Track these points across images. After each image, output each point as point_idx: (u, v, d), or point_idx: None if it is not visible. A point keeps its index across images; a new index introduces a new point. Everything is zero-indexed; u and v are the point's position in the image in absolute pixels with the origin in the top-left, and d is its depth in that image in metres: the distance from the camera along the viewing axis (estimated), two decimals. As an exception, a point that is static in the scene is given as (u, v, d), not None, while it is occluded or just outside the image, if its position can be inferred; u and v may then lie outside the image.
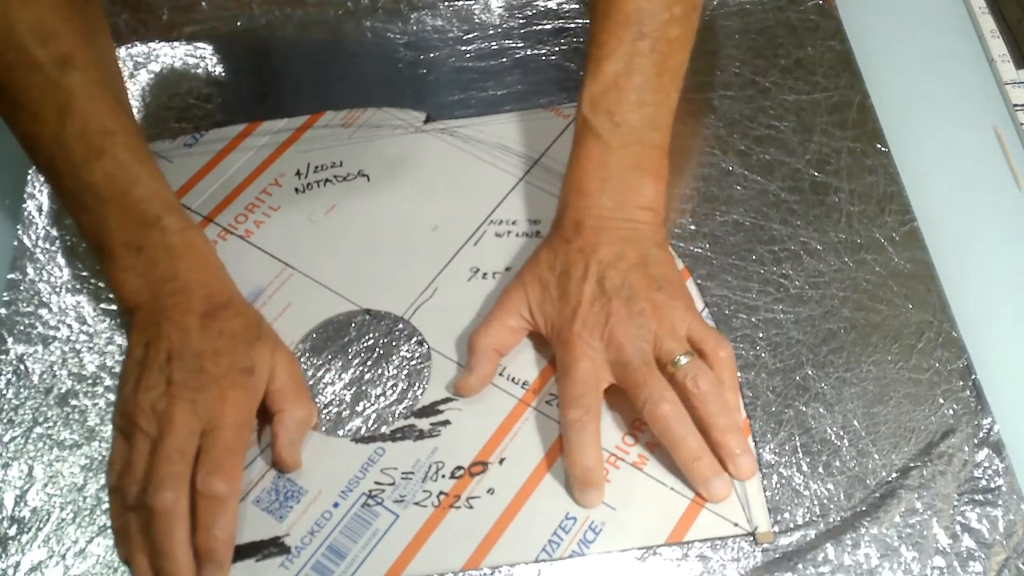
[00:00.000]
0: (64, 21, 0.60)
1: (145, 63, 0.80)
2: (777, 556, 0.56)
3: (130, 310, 0.62)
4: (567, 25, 0.80)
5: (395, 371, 0.64)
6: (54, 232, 0.71)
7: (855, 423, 0.61)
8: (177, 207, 0.62)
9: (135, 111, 0.77)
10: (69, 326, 0.67)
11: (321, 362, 0.65)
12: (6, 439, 0.62)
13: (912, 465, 0.59)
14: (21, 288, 0.68)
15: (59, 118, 0.60)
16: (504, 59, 0.79)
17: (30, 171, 0.74)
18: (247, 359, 0.60)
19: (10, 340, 0.66)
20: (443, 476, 0.60)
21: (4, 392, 0.64)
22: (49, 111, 0.60)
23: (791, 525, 0.57)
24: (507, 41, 0.80)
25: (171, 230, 0.61)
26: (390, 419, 0.62)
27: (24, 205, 0.73)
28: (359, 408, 0.63)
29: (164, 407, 0.57)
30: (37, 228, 0.71)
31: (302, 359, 0.65)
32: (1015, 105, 0.75)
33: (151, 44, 0.81)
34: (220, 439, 0.57)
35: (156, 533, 0.55)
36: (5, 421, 0.63)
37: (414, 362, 0.64)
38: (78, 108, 0.60)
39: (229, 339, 0.60)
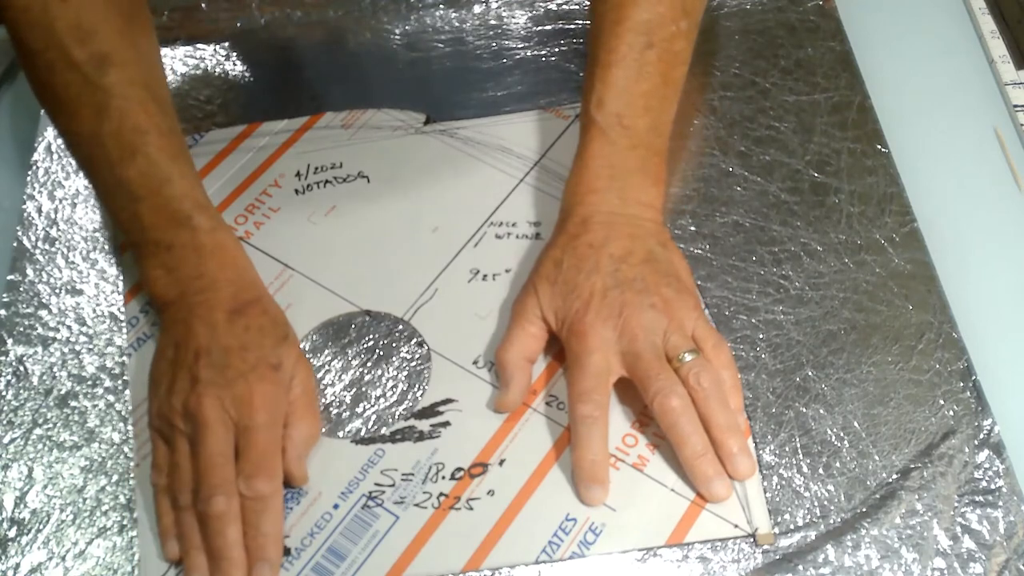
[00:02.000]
0: (103, 20, 0.61)
1: (145, 64, 0.80)
2: (777, 557, 0.56)
3: (160, 308, 0.63)
4: (567, 26, 0.80)
5: (395, 372, 0.64)
6: (54, 233, 0.71)
7: (855, 424, 0.61)
8: (208, 206, 0.63)
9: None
10: (69, 327, 0.67)
11: (321, 363, 0.65)
12: (6, 440, 0.62)
13: (912, 466, 0.59)
14: (21, 289, 0.68)
15: (96, 117, 0.61)
16: (504, 60, 0.79)
17: (30, 172, 0.74)
18: (274, 355, 0.60)
19: (10, 341, 0.66)
20: (443, 477, 0.60)
21: (4, 393, 0.64)
22: (87, 109, 0.61)
23: (791, 526, 0.57)
24: (507, 42, 0.80)
25: (201, 229, 0.62)
26: (390, 420, 0.62)
27: (24, 206, 0.72)
28: (359, 409, 0.63)
29: (194, 405, 0.58)
30: (37, 229, 0.71)
31: (302, 360, 0.65)
32: (1015, 105, 0.74)
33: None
34: (255, 440, 0.57)
35: (211, 535, 0.56)
36: (5, 422, 0.63)
37: (414, 363, 0.64)
38: (114, 107, 0.61)
39: (256, 334, 0.60)
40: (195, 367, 0.59)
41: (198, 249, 0.62)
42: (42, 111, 0.77)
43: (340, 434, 0.62)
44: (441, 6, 0.82)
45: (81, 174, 0.69)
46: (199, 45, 0.81)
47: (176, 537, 0.57)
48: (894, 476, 0.59)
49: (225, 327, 0.60)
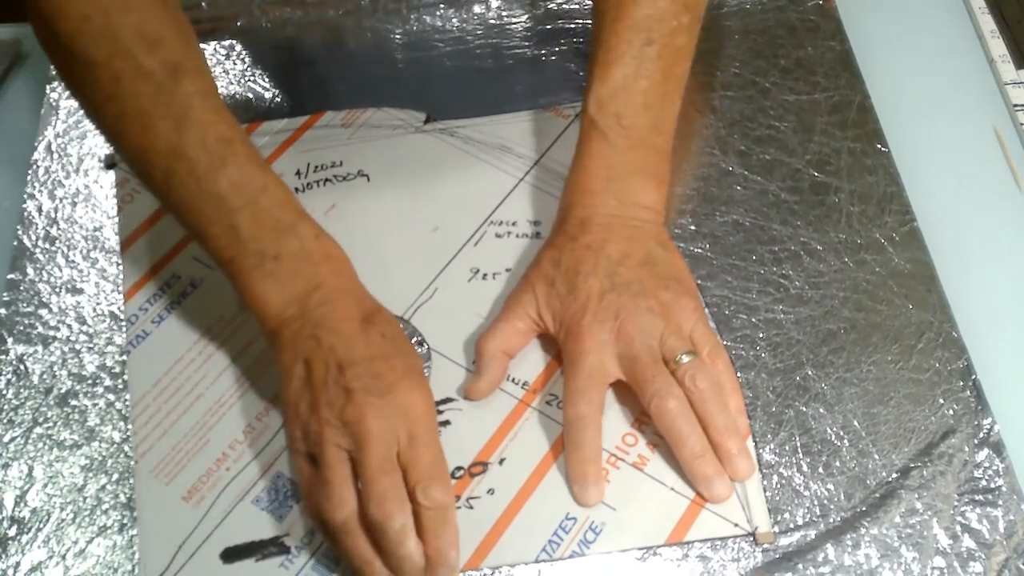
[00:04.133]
0: (166, 26, 0.58)
1: (145, 63, 0.80)
2: (777, 556, 0.56)
3: (276, 329, 0.59)
4: (568, 26, 0.80)
5: (395, 371, 0.64)
6: (54, 232, 0.71)
7: (855, 423, 0.61)
8: (306, 214, 0.61)
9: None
10: (69, 326, 0.67)
11: (321, 362, 0.65)
12: (6, 439, 0.62)
13: (912, 465, 0.59)
14: (21, 288, 0.68)
15: (176, 128, 0.57)
16: (504, 59, 0.79)
17: (30, 171, 0.74)
18: (417, 362, 0.59)
19: (10, 340, 0.66)
20: (443, 476, 0.60)
21: (4, 392, 0.64)
22: (164, 121, 0.57)
23: (791, 525, 0.57)
24: (507, 41, 0.80)
25: (308, 236, 0.59)
26: (390, 419, 0.62)
27: (24, 205, 0.72)
28: (359, 408, 0.63)
29: (354, 417, 0.55)
30: (37, 228, 0.71)
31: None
32: (1015, 105, 0.75)
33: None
34: (423, 449, 0.56)
35: (389, 545, 0.54)
36: (5, 421, 0.63)
37: (414, 362, 0.64)
38: (195, 117, 0.57)
39: (392, 342, 0.58)
40: (343, 379, 0.56)
41: (308, 258, 0.59)
42: (42, 111, 0.77)
43: (340, 433, 0.62)
44: (441, 6, 0.82)
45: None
46: (200, 43, 0.81)
47: (374, 559, 0.55)
48: (894, 475, 0.59)
49: (361, 338, 0.58)
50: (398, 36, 0.81)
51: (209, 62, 0.79)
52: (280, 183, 0.60)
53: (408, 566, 0.54)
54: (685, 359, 0.59)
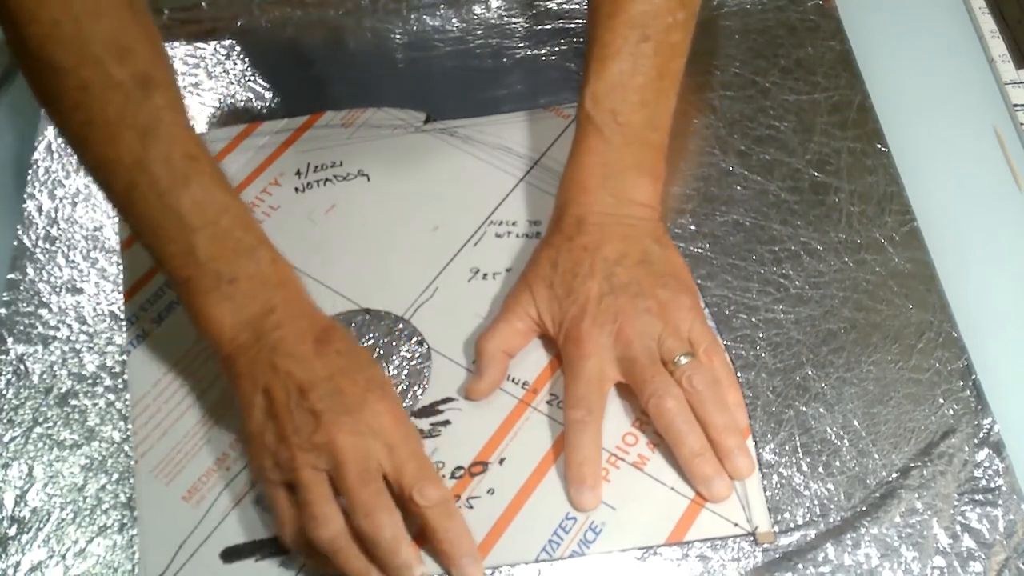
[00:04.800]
0: (137, 36, 0.57)
1: (145, 63, 0.80)
2: (777, 556, 0.56)
3: (230, 356, 0.58)
4: (567, 25, 0.80)
5: (395, 371, 0.64)
6: (54, 232, 0.71)
7: (855, 423, 0.61)
8: (266, 238, 0.60)
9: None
10: (69, 326, 0.67)
11: (321, 362, 0.65)
12: (6, 439, 0.62)
13: (912, 465, 0.59)
14: (21, 288, 0.68)
15: (142, 141, 0.56)
16: (504, 59, 0.79)
17: (30, 171, 0.74)
18: (378, 373, 0.58)
19: (10, 340, 0.66)
20: (443, 476, 0.60)
21: (4, 392, 0.64)
22: (131, 133, 0.56)
23: (791, 525, 0.57)
24: (507, 41, 0.80)
25: (265, 260, 0.59)
26: (390, 419, 0.62)
27: (24, 205, 0.72)
28: (359, 408, 0.63)
29: (325, 439, 0.54)
30: (37, 228, 0.71)
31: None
32: (1015, 105, 0.75)
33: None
34: (404, 455, 0.56)
35: (384, 555, 0.54)
36: (5, 421, 0.63)
37: (414, 362, 0.64)
38: (162, 131, 0.56)
39: (349, 357, 0.58)
40: (307, 403, 0.55)
41: (265, 282, 0.58)
42: (42, 111, 0.77)
43: (340, 433, 0.62)
44: (441, 6, 0.82)
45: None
46: (199, 45, 0.81)
47: (368, 569, 0.55)
48: (894, 475, 0.59)
49: (318, 358, 0.57)
50: (398, 36, 0.81)
51: (209, 62, 0.80)
52: (242, 205, 0.59)
53: (407, 575, 0.54)
54: (683, 360, 0.59)
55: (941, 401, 0.61)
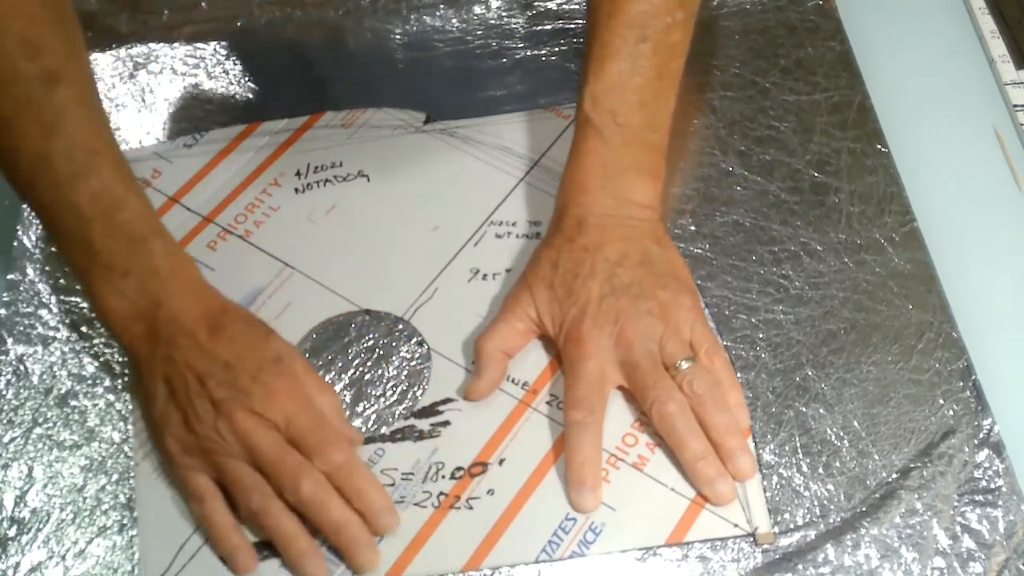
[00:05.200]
0: (51, 35, 0.58)
1: (145, 63, 0.80)
2: (777, 557, 0.56)
3: (129, 346, 0.61)
4: (567, 26, 0.80)
5: (395, 372, 0.64)
6: (54, 232, 0.71)
7: (855, 424, 0.61)
8: (163, 230, 0.61)
9: (135, 112, 0.77)
10: (69, 327, 0.67)
11: (321, 363, 0.65)
12: (6, 440, 0.62)
13: (912, 466, 0.59)
14: (21, 289, 0.68)
15: (44, 135, 0.58)
16: (504, 59, 0.79)
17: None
18: (270, 351, 0.60)
19: (10, 341, 0.66)
20: (443, 477, 0.60)
21: (4, 393, 0.64)
22: (34, 126, 0.58)
23: (791, 526, 0.57)
24: (507, 41, 0.80)
25: (158, 253, 0.60)
26: (390, 420, 0.62)
27: (24, 205, 0.72)
28: (359, 409, 0.63)
29: (227, 426, 0.57)
30: (37, 228, 0.71)
31: (302, 360, 0.65)
32: (1015, 105, 0.75)
33: (151, 44, 0.80)
34: (301, 424, 0.58)
35: (318, 514, 0.56)
36: (5, 422, 0.63)
37: (414, 363, 0.64)
38: (64, 126, 0.58)
39: (244, 340, 0.60)
40: (205, 391, 0.58)
41: (156, 274, 0.60)
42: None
43: (340, 433, 0.62)
44: (441, 6, 0.82)
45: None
46: (199, 45, 0.81)
47: (243, 548, 0.57)
48: (894, 475, 0.59)
49: (212, 346, 0.59)
50: (398, 36, 0.81)
51: (209, 62, 0.79)
52: (141, 198, 0.60)
53: (346, 531, 0.56)
54: (684, 365, 0.59)
55: (941, 402, 0.61)
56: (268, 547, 0.58)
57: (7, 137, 0.58)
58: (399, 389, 0.63)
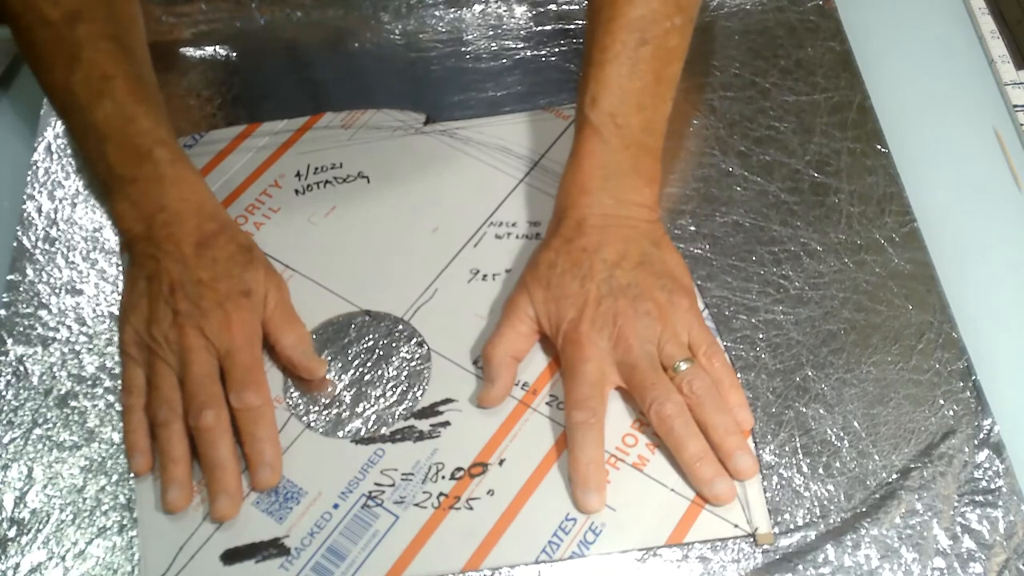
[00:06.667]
0: None
1: (145, 64, 0.80)
2: (777, 557, 0.56)
3: (127, 243, 0.66)
4: (567, 27, 0.80)
5: (395, 372, 0.64)
6: (53, 233, 0.71)
7: (855, 424, 0.61)
8: (169, 142, 0.66)
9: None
10: (69, 327, 0.67)
11: (321, 363, 0.65)
12: (5, 440, 0.62)
13: (912, 466, 0.59)
14: (21, 289, 0.68)
15: (67, 67, 0.65)
16: (504, 60, 0.79)
17: (29, 172, 0.74)
18: (243, 282, 0.63)
19: (10, 341, 0.66)
20: (443, 477, 0.60)
21: (4, 393, 0.64)
22: (60, 60, 0.65)
23: (791, 526, 0.57)
24: (507, 42, 0.80)
25: (162, 162, 0.65)
26: (390, 420, 0.62)
27: (24, 206, 0.72)
28: (359, 409, 0.63)
29: (175, 336, 0.61)
30: (37, 229, 0.71)
31: (302, 360, 0.65)
32: (1015, 105, 0.75)
33: (151, 45, 0.80)
34: (238, 359, 0.61)
35: (205, 448, 0.59)
36: (5, 422, 0.63)
37: (414, 363, 0.64)
38: (84, 57, 0.65)
39: (224, 264, 0.63)
40: (172, 300, 0.62)
41: (159, 180, 0.65)
42: (42, 111, 0.77)
43: (340, 434, 0.62)
44: (441, 6, 0.82)
45: (82, 172, 0.73)
46: (199, 45, 0.81)
47: (143, 452, 0.61)
48: (894, 476, 0.59)
49: (194, 260, 0.63)
50: (398, 36, 0.81)
51: (209, 63, 0.80)
52: (150, 115, 0.66)
53: (220, 475, 0.59)
54: (683, 366, 0.60)
55: (941, 402, 0.61)
56: (269, 547, 0.58)
57: (44, 74, 0.67)
58: (399, 390, 0.63)
